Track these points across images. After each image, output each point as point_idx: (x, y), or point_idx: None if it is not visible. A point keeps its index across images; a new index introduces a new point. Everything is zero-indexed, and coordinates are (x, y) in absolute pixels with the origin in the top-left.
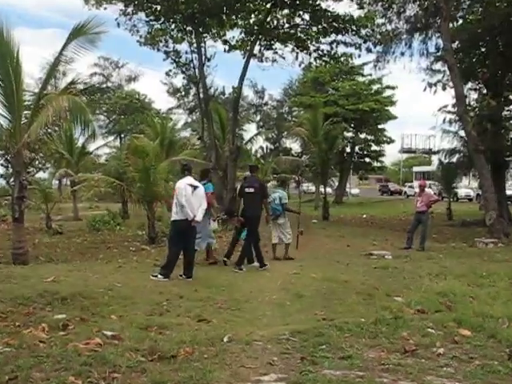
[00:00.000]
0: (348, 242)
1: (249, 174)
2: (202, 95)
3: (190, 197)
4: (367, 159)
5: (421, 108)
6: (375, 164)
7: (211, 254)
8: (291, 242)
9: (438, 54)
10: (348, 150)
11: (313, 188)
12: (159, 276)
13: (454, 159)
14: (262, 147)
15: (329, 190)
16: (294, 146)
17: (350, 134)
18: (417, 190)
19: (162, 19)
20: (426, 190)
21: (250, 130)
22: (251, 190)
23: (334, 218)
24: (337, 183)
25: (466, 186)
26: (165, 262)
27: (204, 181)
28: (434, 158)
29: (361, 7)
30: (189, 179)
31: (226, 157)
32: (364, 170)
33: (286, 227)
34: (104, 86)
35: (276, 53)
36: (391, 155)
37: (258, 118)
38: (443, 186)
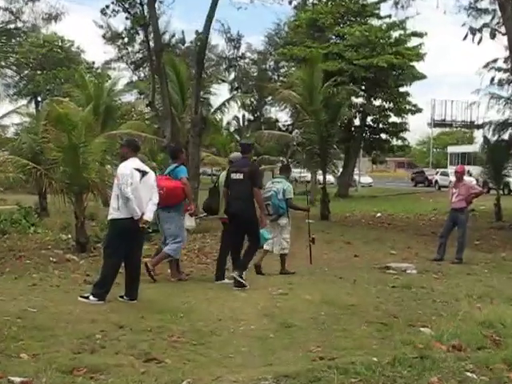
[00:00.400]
0: (356, 250)
1: (236, 155)
2: (152, 43)
3: (138, 186)
4: (383, 135)
5: (459, 64)
6: (395, 142)
7: (174, 266)
8: (287, 252)
9: None
10: (357, 122)
11: (307, 175)
12: (91, 298)
13: (506, 135)
14: (237, 117)
15: (330, 178)
16: (282, 116)
17: (359, 101)
18: (452, 178)
19: None
20: (466, 178)
21: (220, 93)
22: (240, 176)
23: (336, 216)
24: (341, 169)
25: None
26: (99, 278)
27: (176, 163)
28: (478, 135)
29: None
30: (135, 162)
31: (186, 130)
32: (379, 150)
33: (286, 232)
34: (11, 26)
35: None
36: (417, 130)
37: (232, 76)
38: (490, 174)
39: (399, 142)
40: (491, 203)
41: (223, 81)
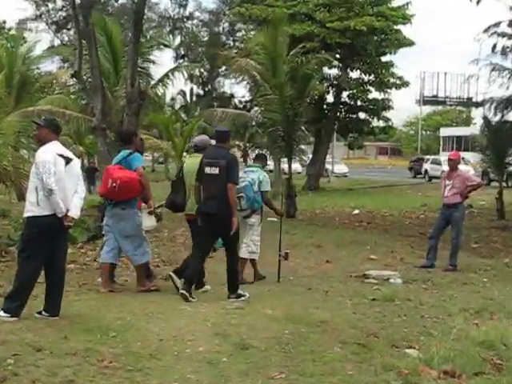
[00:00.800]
0: (328, 255)
1: (202, 138)
2: None
3: (63, 176)
4: (362, 115)
5: (455, 29)
6: (376, 123)
7: (106, 273)
8: (257, 258)
9: None
10: (330, 98)
11: (270, 163)
12: (2, 313)
13: (511, 116)
14: (183, 92)
15: (297, 166)
16: (239, 90)
17: (333, 72)
18: (445, 167)
19: None
20: (461, 167)
21: (163, 62)
22: (215, 170)
23: (304, 214)
24: (310, 155)
25: None
26: (12, 289)
27: (129, 149)
28: (476, 114)
29: None
30: (57, 146)
31: (120, 107)
32: (357, 132)
33: (256, 232)
34: None
35: None
36: (404, 109)
37: (178, 41)
38: (491, 162)
39: (381, 123)
40: (492, 198)
41: (166, 46)
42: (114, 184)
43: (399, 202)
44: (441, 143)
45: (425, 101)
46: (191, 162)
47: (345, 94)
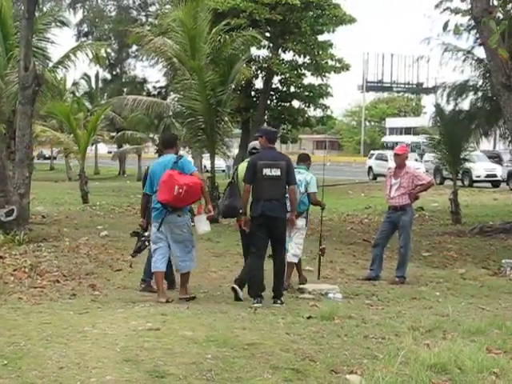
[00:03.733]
0: None
1: (257, 143)
2: None
3: None
4: (296, 103)
5: (403, 3)
6: (312, 112)
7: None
8: (296, 261)
9: None
10: (259, 84)
11: (190, 159)
12: None
13: (466, 104)
14: (87, 76)
15: (221, 163)
16: (153, 74)
17: (263, 53)
18: (391, 164)
19: None
20: (410, 164)
21: (62, 41)
22: (276, 171)
23: (230, 218)
24: (236, 150)
25: (489, 158)
26: None
27: (172, 153)
28: (427, 102)
29: None
30: None
31: (12, 94)
32: (290, 123)
33: (301, 235)
34: None
35: None
36: (344, 95)
37: (80, 16)
38: (444, 157)
39: (319, 113)
40: (446, 199)
41: (64, 25)
42: (181, 190)
43: (339, 204)
44: (387, 135)
45: (368, 87)
46: (245, 165)
47: (276, 79)
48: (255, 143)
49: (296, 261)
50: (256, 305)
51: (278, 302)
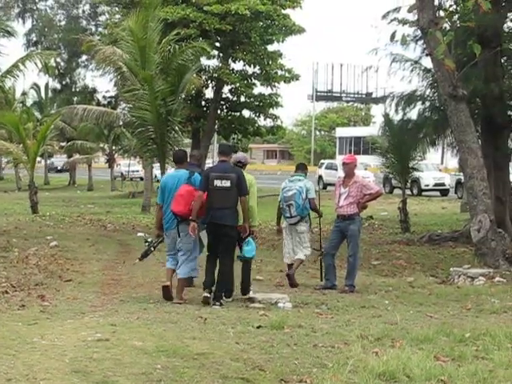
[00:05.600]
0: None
1: (242, 155)
2: None
3: None
4: (247, 112)
5: (350, 14)
6: (262, 122)
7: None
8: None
9: None
10: (210, 94)
11: (140, 170)
12: None
13: (414, 114)
14: (36, 86)
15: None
16: (103, 84)
17: (213, 63)
18: (341, 173)
19: None
20: (358, 173)
21: (10, 50)
22: (226, 183)
23: None
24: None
25: (437, 167)
26: None
27: (183, 168)
28: (377, 112)
29: None
30: None
31: None
32: (241, 133)
33: (306, 239)
34: None
35: None
36: (294, 105)
37: (29, 26)
38: (392, 167)
39: (269, 122)
40: (395, 207)
41: (11, 35)
42: (201, 195)
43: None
44: (337, 145)
45: (318, 96)
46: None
47: (226, 89)
48: (240, 156)
49: (304, 258)
50: (216, 306)
51: (217, 303)
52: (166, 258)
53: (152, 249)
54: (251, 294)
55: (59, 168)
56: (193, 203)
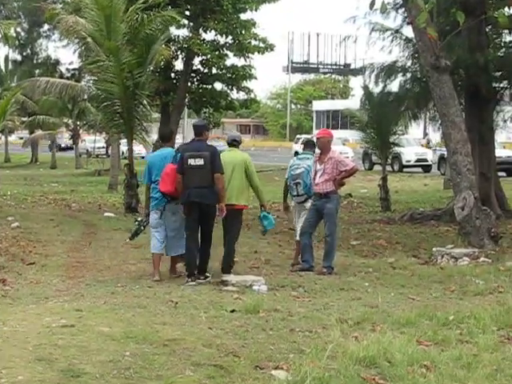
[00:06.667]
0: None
1: (235, 134)
2: None
3: None
4: (219, 85)
5: None
6: (235, 95)
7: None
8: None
9: None
10: (179, 65)
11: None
12: None
13: (395, 86)
14: None
15: (139, 149)
16: (67, 55)
17: (183, 33)
18: (317, 150)
19: None
20: (335, 149)
21: None
22: (199, 161)
23: None
24: (156, 136)
25: (419, 142)
26: None
27: (168, 146)
28: (355, 84)
29: None
30: None
31: None
32: (213, 107)
33: None
34: None
35: None
36: (269, 77)
37: None
38: (372, 142)
39: (242, 95)
40: (375, 185)
41: None
42: (178, 178)
43: (266, 190)
44: (314, 119)
45: (294, 68)
46: (230, 154)
47: (197, 61)
48: (235, 135)
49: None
50: (191, 283)
51: (202, 277)
52: (151, 235)
53: (142, 228)
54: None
55: (63, 146)
56: (177, 186)
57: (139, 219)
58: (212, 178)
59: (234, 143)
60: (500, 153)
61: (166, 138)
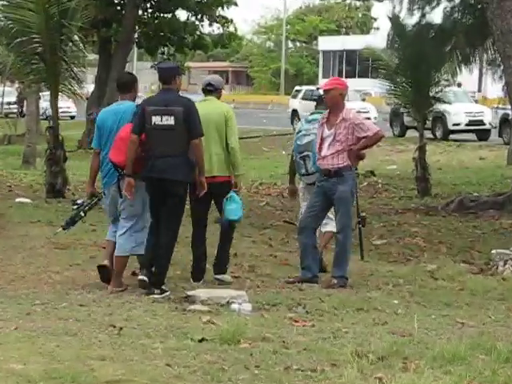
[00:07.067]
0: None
1: (214, 78)
2: None
3: None
4: (183, 13)
5: None
6: (207, 28)
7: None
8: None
9: None
10: None
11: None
12: None
13: (438, 16)
14: None
15: (69, 105)
16: None
17: None
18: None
19: None
20: (350, 106)
21: None
22: (169, 120)
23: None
24: (92, 86)
25: (472, 97)
26: None
27: (128, 99)
28: (380, 13)
29: None
30: None
31: None
32: (174, 45)
33: None
34: None
35: None
36: (255, 2)
37: None
38: (405, 97)
39: (216, 29)
40: (409, 158)
41: None
42: (132, 138)
43: (250, 166)
44: (320, 63)
45: None
46: (204, 106)
47: None
48: (210, 78)
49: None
50: (156, 296)
51: (156, 291)
52: (108, 226)
53: (82, 214)
54: (196, 289)
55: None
56: (127, 151)
57: (79, 202)
58: (185, 144)
59: (208, 89)
60: (470, 108)
61: (125, 86)
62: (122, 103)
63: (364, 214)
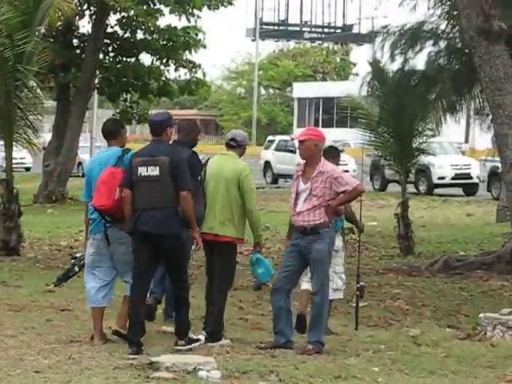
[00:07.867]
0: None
1: (239, 133)
2: None
3: None
4: (147, 58)
5: None
6: (173, 73)
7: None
8: (342, 296)
9: None
10: (88, 27)
11: None
12: None
13: (421, 61)
14: None
15: (24, 155)
16: None
17: None
18: (298, 158)
19: None
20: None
21: None
22: (154, 170)
23: (40, 246)
24: (49, 135)
25: (459, 148)
26: None
27: (116, 145)
28: (360, 57)
29: None
30: None
31: None
32: (137, 91)
33: (341, 260)
34: None
35: None
36: (226, 46)
37: None
38: (386, 148)
39: (183, 74)
40: (391, 214)
41: None
42: (124, 194)
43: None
44: (295, 111)
45: (264, 32)
46: (220, 161)
47: (114, 19)
48: (236, 133)
49: (340, 296)
50: (131, 356)
51: (183, 342)
52: (85, 279)
53: (77, 269)
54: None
55: None
56: (124, 207)
57: (78, 255)
58: (173, 196)
59: (231, 144)
60: (456, 160)
61: (109, 133)
62: (109, 149)
63: (363, 283)
